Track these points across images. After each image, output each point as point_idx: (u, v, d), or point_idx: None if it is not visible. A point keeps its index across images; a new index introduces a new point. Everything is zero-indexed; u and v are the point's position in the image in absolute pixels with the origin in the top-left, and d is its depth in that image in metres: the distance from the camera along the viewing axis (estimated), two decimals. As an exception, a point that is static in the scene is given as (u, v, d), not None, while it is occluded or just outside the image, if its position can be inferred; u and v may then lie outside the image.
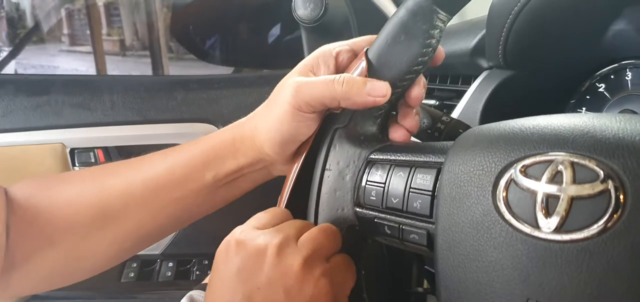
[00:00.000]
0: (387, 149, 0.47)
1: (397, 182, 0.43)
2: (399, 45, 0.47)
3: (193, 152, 0.57)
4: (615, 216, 0.29)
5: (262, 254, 0.42)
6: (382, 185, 0.44)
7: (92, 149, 1.01)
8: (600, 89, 0.67)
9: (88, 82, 1.05)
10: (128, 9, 2.41)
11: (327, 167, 0.49)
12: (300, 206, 0.50)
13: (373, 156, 0.47)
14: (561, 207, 0.30)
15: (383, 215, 0.44)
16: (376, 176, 0.45)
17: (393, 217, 0.43)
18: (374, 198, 0.45)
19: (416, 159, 0.44)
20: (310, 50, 0.82)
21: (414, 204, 0.41)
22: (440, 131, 0.55)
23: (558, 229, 0.30)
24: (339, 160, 0.49)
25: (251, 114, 0.58)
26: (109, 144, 1.02)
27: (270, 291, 0.41)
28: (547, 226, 0.31)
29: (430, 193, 0.41)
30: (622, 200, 0.29)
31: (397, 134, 0.51)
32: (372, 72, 0.48)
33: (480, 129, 0.40)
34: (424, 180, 0.41)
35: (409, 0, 0.47)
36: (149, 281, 1.14)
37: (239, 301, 0.40)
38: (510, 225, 0.33)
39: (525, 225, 0.32)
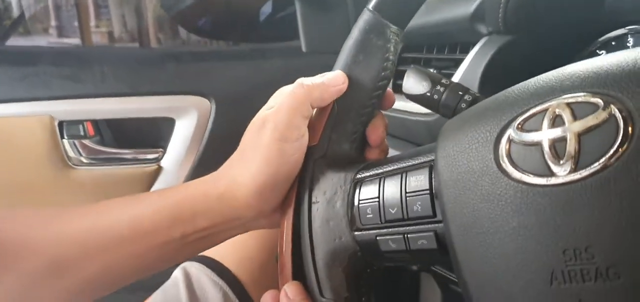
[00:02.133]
0: (372, 165, 0.46)
1: (391, 191, 0.42)
2: (359, 65, 0.48)
3: (160, 205, 0.52)
4: (629, 133, 0.28)
5: None
6: (377, 199, 0.43)
7: (81, 121, 1.00)
8: (601, 55, 0.66)
9: (78, 53, 1.04)
10: (117, 0, 2.39)
11: (314, 200, 0.48)
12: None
13: (360, 175, 0.46)
14: (571, 146, 0.29)
15: (384, 230, 0.43)
16: (368, 192, 0.44)
17: (395, 229, 0.42)
18: (371, 215, 0.43)
19: (405, 164, 0.43)
20: (305, 23, 0.80)
21: (414, 208, 0.40)
22: (440, 93, 0.53)
23: (574, 169, 0.29)
24: (325, 190, 0.47)
25: (222, 168, 0.53)
26: (98, 116, 1.01)
27: None
28: (562, 170, 0.30)
29: (428, 192, 0.40)
30: (629, 119, 0.28)
31: (372, 154, 0.51)
32: (339, 101, 0.49)
33: (463, 113, 0.39)
34: (418, 181, 0.40)
35: (359, 21, 0.48)
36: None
37: None
38: (524, 183, 0.31)
39: (539, 177, 0.31)
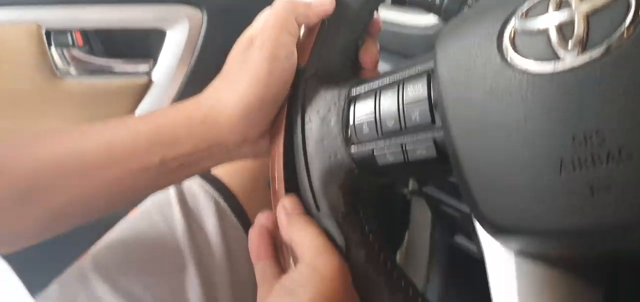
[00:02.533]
0: (366, 80, 0.45)
1: (388, 104, 0.41)
2: None
3: (140, 128, 0.50)
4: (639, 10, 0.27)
5: None
6: (373, 113, 0.42)
7: (69, 30, 0.96)
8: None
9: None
10: None
11: (307, 120, 0.47)
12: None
13: (354, 91, 0.45)
14: (579, 28, 0.29)
15: (381, 143, 0.42)
16: (364, 107, 0.43)
17: (393, 141, 0.41)
18: (368, 130, 0.43)
19: (401, 75, 0.42)
20: None
21: (412, 117, 0.39)
22: None
23: (582, 51, 0.28)
24: (318, 108, 0.46)
25: (206, 91, 0.51)
26: (87, 26, 0.97)
27: None
28: (570, 54, 0.29)
29: (426, 99, 0.39)
30: None
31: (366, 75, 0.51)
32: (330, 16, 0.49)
33: (462, 14, 0.39)
34: (415, 90, 0.40)
35: None
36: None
37: None
38: (530, 73, 0.30)
39: (546, 64, 0.30)
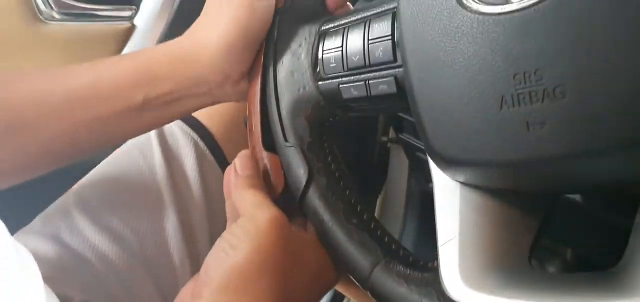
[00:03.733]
0: (337, 17, 0.47)
1: (355, 40, 0.43)
2: None
3: (123, 68, 0.52)
4: None
5: None
6: (340, 48, 0.44)
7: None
8: None
9: None
10: None
11: (280, 54, 0.49)
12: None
13: (324, 27, 0.47)
14: None
15: (347, 78, 0.44)
16: (332, 43, 0.46)
17: (358, 76, 0.44)
18: (335, 65, 0.45)
19: (368, 14, 0.44)
20: None
21: (376, 54, 0.42)
22: None
23: None
24: (290, 44, 0.49)
25: (189, 30, 0.53)
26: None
27: None
28: None
29: (390, 38, 0.41)
30: None
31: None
32: None
33: None
34: (381, 28, 0.42)
35: None
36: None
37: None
38: (480, 13, 0.32)
39: (495, 6, 0.32)
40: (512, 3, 0.31)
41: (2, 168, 0.52)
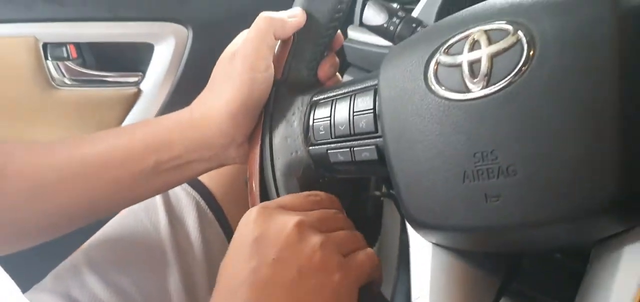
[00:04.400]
0: (327, 89, 0.53)
1: (341, 111, 0.48)
2: (316, 1, 0.55)
3: (137, 134, 0.56)
4: (531, 54, 0.33)
5: (282, 228, 0.41)
6: (328, 118, 0.49)
7: (64, 44, 1.03)
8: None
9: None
10: None
11: (275, 121, 0.54)
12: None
13: (315, 98, 0.53)
14: (484, 66, 0.35)
15: (334, 144, 0.49)
16: (321, 112, 0.50)
17: (343, 143, 0.48)
18: (323, 132, 0.50)
19: (354, 88, 0.49)
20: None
21: (360, 124, 0.47)
22: (396, 25, 0.58)
23: (486, 85, 0.35)
24: (284, 112, 0.54)
25: (195, 101, 0.57)
26: (81, 39, 1.04)
27: (282, 267, 0.40)
28: (476, 86, 0.36)
29: (371, 111, 0.46)
30: (532, 41, 0.33)
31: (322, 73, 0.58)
32: (297, 33, 0.55)
33: (405, 40, 0.46)
34: (364, 102, 0.47)
35: None
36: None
37: (249, 270, 0.39)
38: (446, 99, 0.37)
39: (458, 93, 0.37)
40: (472, 92, 0.36)
41: (27, 229, 0.57)
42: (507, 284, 0.44)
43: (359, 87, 0.49)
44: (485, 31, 0.36)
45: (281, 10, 0.55)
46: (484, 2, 0.39)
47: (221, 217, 0.73)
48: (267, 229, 0.41)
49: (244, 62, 0.52)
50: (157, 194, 0.62)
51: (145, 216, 0.70)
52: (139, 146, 0.55)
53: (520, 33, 0.34)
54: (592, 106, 0.31)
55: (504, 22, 0.35)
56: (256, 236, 0.41)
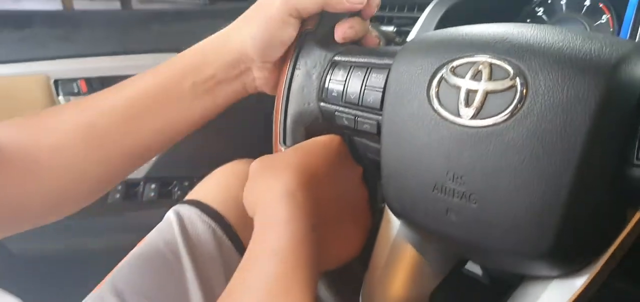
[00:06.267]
0: (349, 52, 0.55)
1: (355, 81, 0.51)
2: None
3: (175, 63, 0.61)
4: (519, 105, 0.36)
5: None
6: (343, 83, 0.52)
7: (75, 80, 1.06)
8: (539, 13, 0.74)
9: (69, 15, 1.09)
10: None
11: (297, 67, 0.57)
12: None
13: (336, 58, 0.55)
14: (478, 99, 0.38)
15: (342, 108, 0.52)
16: (338, 75, 0.53)
17: (350, 110, 0.51)
18: (335, 94, 0.53)
19: (372, 61, 0.51)
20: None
21: (368, 99, 0.49)
22: None
23: (474, 117, 0.38)
24: (307, 61, 0.56)
25: (230, 26, 0.62)
26: (91, 74, 1.07)
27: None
28: (466, 114, 0.38)
29: (381, 90, 0.48)
30: (525, 93, 0.36)
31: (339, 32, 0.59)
32: None
33: (424, 36, 0.47)
34: (377, 79, 0.49)
35: None
36: (134, 201, 1.20)
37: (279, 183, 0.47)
38: (439, 114, 0.40)
39: (450, 114, 0.39)
40: (462, 118, 0.39)
41: (87, 180, 0.61)
42: (448, 280, 0.51)
43: (377, 61, 0.51)
44: (490, 64, 0.38)
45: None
46: (497, 28, 0.41)
47: (239, 245, 0.75)
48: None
49: (284, 3, 0.55)
50: (198, 125, 0.65)
51: (165, 246, 0.72)
52: (178, 71, 0.60)
53: (517, 80, 0.36)
54: (556, 170, 0.34)
55: (508, 62, 0.37)
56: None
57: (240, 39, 0.59)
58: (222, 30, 0.62)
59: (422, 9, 0.79)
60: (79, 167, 0.59)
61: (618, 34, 0.64)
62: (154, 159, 1.10)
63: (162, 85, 0.60)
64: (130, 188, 1.22)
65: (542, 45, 0.37)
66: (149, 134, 0.62)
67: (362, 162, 0.56)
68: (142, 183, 1.21)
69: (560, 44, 0.36)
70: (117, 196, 1.19)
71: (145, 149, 0.63)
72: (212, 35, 0.62)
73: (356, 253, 0.55)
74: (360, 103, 0.50)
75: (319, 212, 0.48)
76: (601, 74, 0.33)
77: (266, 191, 0.49)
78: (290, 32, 0.57)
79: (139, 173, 1.17)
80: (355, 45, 0.58)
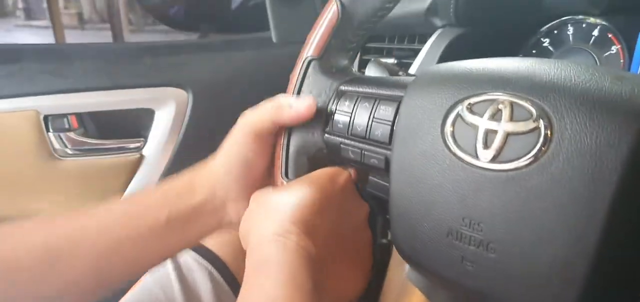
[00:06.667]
0: (356, 81, 0.52)
1: (362, 112, 0.48)
2: None
3: (151, 194, 0.58)
4: (543, 149, 0.33)
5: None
6: (349, 114, 0.49)
7: (65, 115, 1.04)
8: (545, 44, 0.72)
9: (59, 50, 1.07)
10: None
11: (301, 93, 0.54)
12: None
13: (343, 87, 0.52)
14: (498, 141, 0.35)
15: (348, 141, 0.49)
16: (344, 105, 0.50)
17: (357, 144, 0.48)
18: (341, 126, 0.50)
19: (380, 92, 0.48)
20: (274, 14, 0.85)
21: (376, 132, 0.46)
22: None
23: (493, 160, 0.35)
24: (312, 89, 0.53)
25: (205, 162, 0.60)
26: (82, 110, 1.05)
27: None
28: (485, 156, 0.36)
29: (390, 123, 0.45)
30: (549, 136, 0.33)
31: None
32: (344, 11, 0.52)
33: (438, 68, 0.44)
34: (385, 111, 0.46)
35: None
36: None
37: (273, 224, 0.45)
38: (454, 154, 0.37)
39: (467, 155, 0.37)
40: (479, 160, 0.36)
41: (44, 295, 0.55)
42: None
43: (386, 92, 0.48)
44: (511, 103, 0.36)
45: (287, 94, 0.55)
46: (515, 63, 0.39)
47: (235, 286, 0.73)
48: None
49: (241, 127, 0.54)
50: (168, 256, 0.62)
51: (160, 291, 0.70)
52: (153, 202, 0.57)
53: (541, 122, 0.34)
54: (583, 220, 0.32)
55: (530, 102, 0.35)
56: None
57: (213, 172, 0.57)
58: (199, 166, 0.60)
59: (423, 41, 0.77)
60: (32, 289, 0.55)
61: (628, 65, 0.62)
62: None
63: (136, 212, 0.57)
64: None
65: (567, 84, 0.34)
66: (116, 260, 0.57)
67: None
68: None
69: (588, 84, 0.34)
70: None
71: (109, 275, 0.58)
72: (186, 172, 0.60)
73: (355, 297, 0.52)
74: (367, 136, 0.47)
75: (317, 249, 0.46)
76: (633, 118, 0.31)
77: (258, 229, 0.47)
78: (257, 154, 0.55)
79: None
80: (362, 74, 0.56)
